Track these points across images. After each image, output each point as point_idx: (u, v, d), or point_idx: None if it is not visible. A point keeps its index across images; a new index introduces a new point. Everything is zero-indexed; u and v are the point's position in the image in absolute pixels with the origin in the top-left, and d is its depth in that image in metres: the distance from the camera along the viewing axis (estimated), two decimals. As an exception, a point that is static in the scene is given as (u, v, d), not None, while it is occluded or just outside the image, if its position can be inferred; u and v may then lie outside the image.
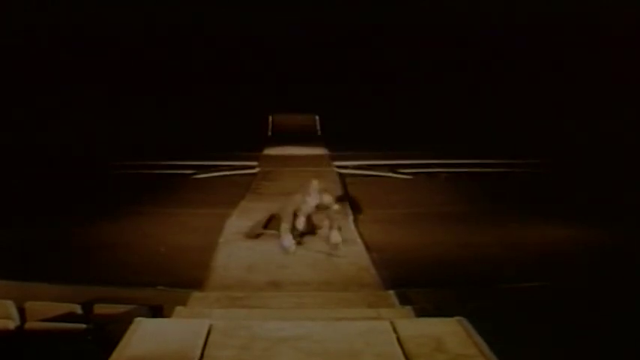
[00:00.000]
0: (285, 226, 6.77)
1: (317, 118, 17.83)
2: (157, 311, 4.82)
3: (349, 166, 12.16)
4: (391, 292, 5.52)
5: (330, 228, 6.82)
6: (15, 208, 8.71)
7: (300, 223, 6.84)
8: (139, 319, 4.02)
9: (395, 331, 3.87)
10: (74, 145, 13.70)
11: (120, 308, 4.65)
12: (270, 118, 17.77)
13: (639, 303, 4.78)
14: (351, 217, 8.21)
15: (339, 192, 9.77)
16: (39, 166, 11.96)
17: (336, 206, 6.95)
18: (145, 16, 16.99)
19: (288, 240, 6.71)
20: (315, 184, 6.97)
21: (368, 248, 6.93)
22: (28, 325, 4.39)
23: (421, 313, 4.70)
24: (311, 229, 7.14)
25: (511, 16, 16.29)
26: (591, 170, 11.48)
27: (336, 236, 6.71)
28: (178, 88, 17.36)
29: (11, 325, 4.35)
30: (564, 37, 15.72)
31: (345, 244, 7.00)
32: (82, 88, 16.00)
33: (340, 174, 11.44)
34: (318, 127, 17.59)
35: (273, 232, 7.14)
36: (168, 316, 4.79)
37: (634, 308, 4.68)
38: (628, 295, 5.07)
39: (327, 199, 6.96)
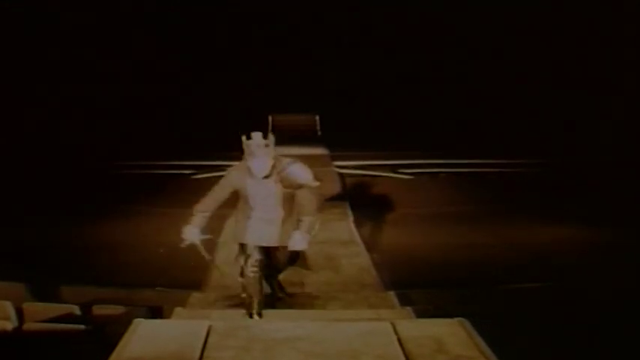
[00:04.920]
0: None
1: (317, 118, 17.81)
2: (156, 312, 4.80)
3: (349, 166, 12.15)
4: (392, 292, 5.50)
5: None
6: (13, 207, 8.69)
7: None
8: (137, 320, 4.00)
9: (395, 332, 3.84)
10: (73, 145, 13.69)
11: (119, 309, 4.63)
12: (270, 118, 17.76)
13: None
14: (351, 218, 8.19)
15: (340, 192, 9.76)
16: (37, 165, 11.94)
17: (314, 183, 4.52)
18: (145, 15, 16.98)
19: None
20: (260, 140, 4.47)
21: (368, 249, 6.90)
22: (26, 326, 4.37)
23: (422, 314, 4.68)
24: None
25: (510, 14, 16.27)
26: (592, 170, 11.46)
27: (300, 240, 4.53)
28: (178, 87, 17.35)
29: (9, 326, 4.33)
30: (565, 36, 15.69)
31: (346, 245, 6.99)
32: (80, 87, 15.97)
33: (340, 174, 11.42)
34: (319, 127, 17.57)
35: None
36: (167, 317, 4.78)
37: (636, 308, 4.66)
38: (630, 296, 5.05)
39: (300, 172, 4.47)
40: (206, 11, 17.40)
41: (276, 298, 5.14)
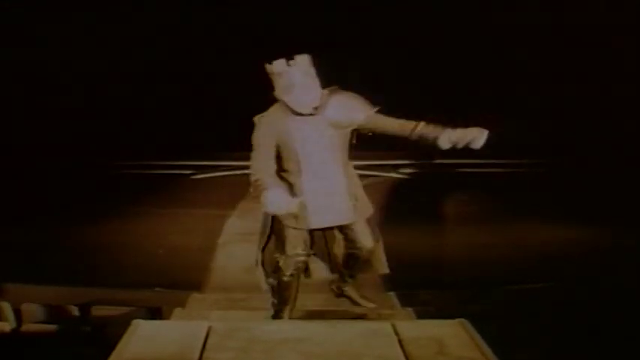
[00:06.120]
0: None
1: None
2: (155, 313, 4.78)
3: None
4: (392, 293, 5.47)
5: None
6: (11, 207, 8.66)
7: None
8: (137, 320, 3.98)
9: (396, 332, 3.82)
10: (72, 144, 13.66)
11: (118, 310, 4.62)
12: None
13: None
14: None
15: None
16: (36, 164, 11.92)
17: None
18: (144, 14, 16.97)
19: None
20: None
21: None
22: (25, 327, 4.36)
23: (423, 314, 4.66)
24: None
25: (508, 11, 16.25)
26: (592, 170, 11.45)
27: None
28: (178, 87, 17.31)
29: (7, 327, 4.32)
30: (565, 34, 15.68)
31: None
32: (80, 86, 15.96)
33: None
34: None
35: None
36: (166, 317, 4.75)
37: (636, 308, 4.65)
38: (630, 296, 5.04)
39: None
40: (206, 10, 17.38)
41: (356, 298, 3.99)
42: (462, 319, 3.94)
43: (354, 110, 3.61)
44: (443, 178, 11.62)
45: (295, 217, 3.53)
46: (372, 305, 4.00)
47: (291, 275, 3.82)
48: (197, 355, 3.53)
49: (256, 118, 3.65)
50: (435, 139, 3.66)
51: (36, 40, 15.87)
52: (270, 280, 3.96)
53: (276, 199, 3.27)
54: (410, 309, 4.89)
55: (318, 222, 3.62)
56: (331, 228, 3.74)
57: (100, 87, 16.21)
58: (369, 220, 3.79)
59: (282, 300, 3.93)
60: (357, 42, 15.84)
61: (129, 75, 16.71)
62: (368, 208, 3.71)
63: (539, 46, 16.26)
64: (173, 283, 5.77)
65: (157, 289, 5.64)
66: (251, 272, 6.10)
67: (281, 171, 3.62)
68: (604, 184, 10.33)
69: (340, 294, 4.04)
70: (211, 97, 17.31)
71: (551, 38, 15.98)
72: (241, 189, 10.67)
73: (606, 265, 6.36)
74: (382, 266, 4.17)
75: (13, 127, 14.07)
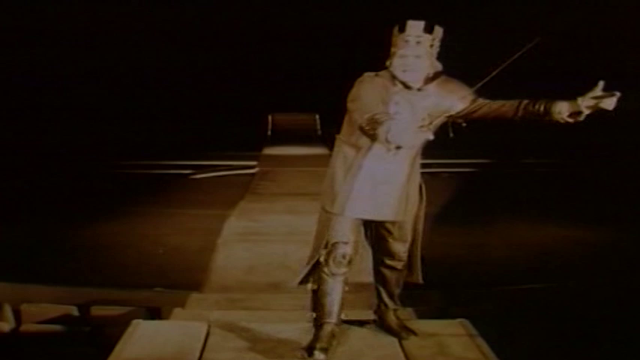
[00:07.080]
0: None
1: (317, 117, 17.78)
2: (154, 313, 4.78)
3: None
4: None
5: None
6: (10, 207, 8.66)
7: None
8: (136, 321, 3.97)
9: (396, 333, 3.81)
10: (71, 144, 13.66)
11: (117, 310, 4.62)
12: (270, 118, 17.72)
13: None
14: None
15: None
16: (35, 164, 11.92)
17: None
18: (144, 14, 16.98)
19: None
20: None
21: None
22: (24, 327, 4.35)
23: (423, 314, 4.66)
24: None
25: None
26: (592, 170, 11.45)
27: None
28: (178, 87, 17.33)
29: (6, 327, 4.31)
30: (563, 34, 15.68)
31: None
32: (80, 86, 15.97)
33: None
34: (319, 127, 17.53)
35: None
36: (166, 318, 4.74)
37: (636, 308, 4.65)
38: (630, 296, 5.04)
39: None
40: (205, 11, 17.39)
41: (396, 329, 3.54)
42: (462, 319, 3.93)
43: (454, 97, 3.15)
44: (442, 178, 11.63)
45: (333, 199, 3.05)
46: (413, 335, 3.52)
47: (335, 274, 3.11)
48: (197, 355, 3.52)
49: (366, 74, 3.14)
50: (547, 113, 3.13)
51: (36, 39, 15.90)
52: (310, 284, 3.27)
53: (402, 128, 2.80)
54: (410, 309, 4.88)
55: (355, 210, 3.07)
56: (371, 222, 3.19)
57: (99, 87, 16.24)
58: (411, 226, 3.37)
59: (323, 310, 3.18)
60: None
61: (129, 75, 16.75)
62: (414, 209, 3.31)
63: (538, 47, 16.26)
64: (173, 283, 5.76)
65: (156, 289, 5.64)
66: (251, 272, 6.14)
67: (348, 143, 3.18)
68: (605, 184, 10.34)
69: (381, 320, 3.63)
70: (212, 98, 17.35)
71: (550, 38, 15.99)
72: (241, 189, 10.72)
73: (606, 265, 6.36)
74: (417, 275, 3.70)
75: (13, 128, 14.08)
